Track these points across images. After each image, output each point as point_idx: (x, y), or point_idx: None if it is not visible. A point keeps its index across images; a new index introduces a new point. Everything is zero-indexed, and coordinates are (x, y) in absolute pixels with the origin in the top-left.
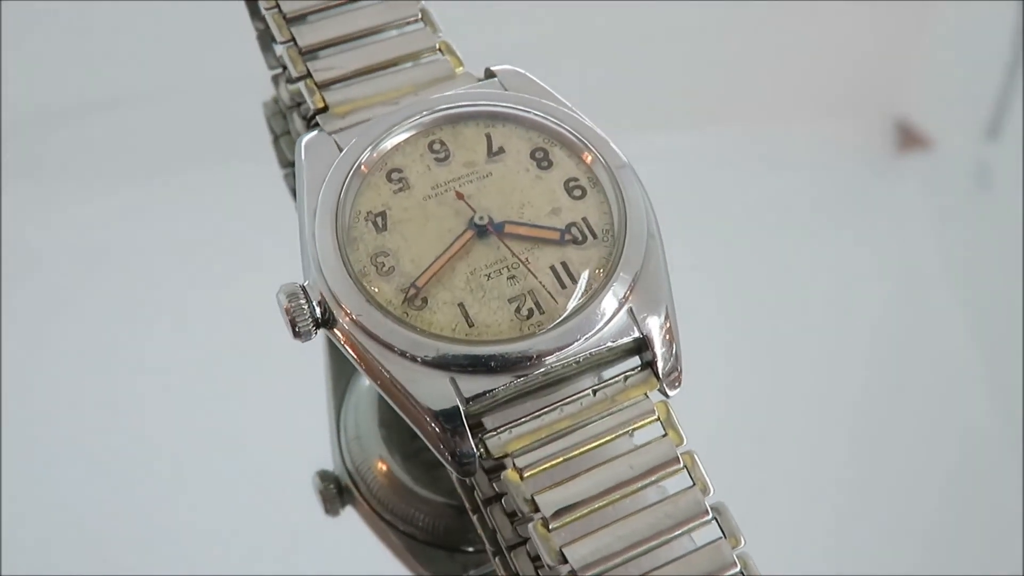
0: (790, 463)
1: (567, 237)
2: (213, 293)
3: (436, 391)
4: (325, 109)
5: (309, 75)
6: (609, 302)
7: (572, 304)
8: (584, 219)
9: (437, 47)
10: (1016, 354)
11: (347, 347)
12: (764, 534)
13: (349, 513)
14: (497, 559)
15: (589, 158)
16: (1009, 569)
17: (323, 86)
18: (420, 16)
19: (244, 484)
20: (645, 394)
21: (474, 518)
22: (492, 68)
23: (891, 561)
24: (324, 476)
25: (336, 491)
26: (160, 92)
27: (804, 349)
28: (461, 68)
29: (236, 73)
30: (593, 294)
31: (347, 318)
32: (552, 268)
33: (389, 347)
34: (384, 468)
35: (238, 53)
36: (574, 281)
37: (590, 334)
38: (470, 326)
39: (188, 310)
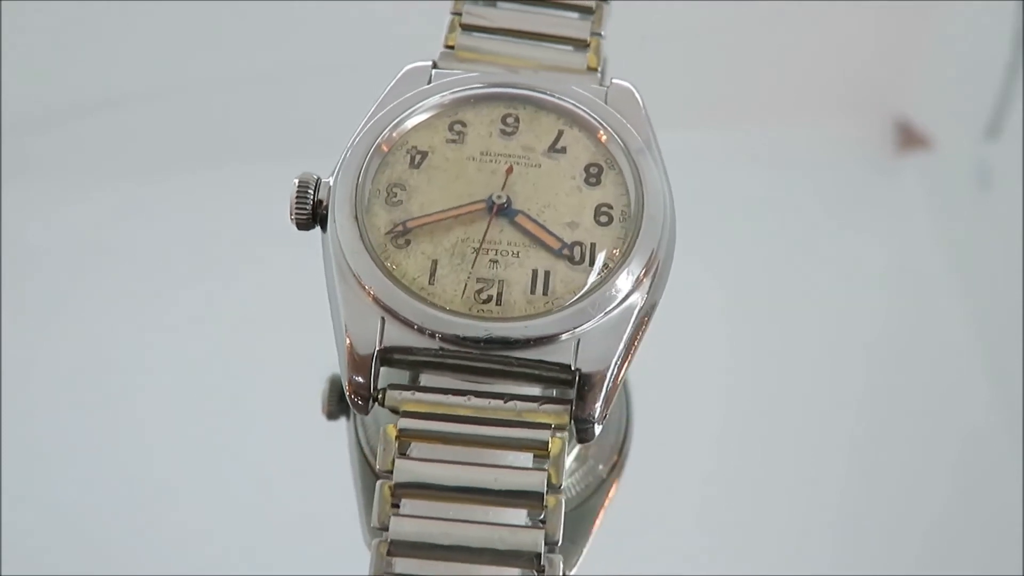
0: (790, 460)
1: (564, 252)
2: (214, 293)
3: (364, 326)
4: (451, 48)
5: (460, 14)
6: (565, 323)
7: (529, 310)
8: (592, 244)
9: (587, 41)
10: (1017, 354)
11: (323, 249)
12: (764, 533)
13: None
14: None
15: (632, 193)
16: (1009, 569)
17: (464, 28)
18: (593, 9)
19: (246, 484)
20: (551, 424)
21: None
22: (614, 79)
23: (891, 561)
24: (333, 382)
25: (337, 398)
26: (160, 92)
27: (803, 347)
28: (594, 69)
29: (236, 73)
30: (552, 311)
31: (334, 224)
32: (534, 271)
33: (348, 267)
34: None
35: (238, 53)
36: (545, 292)
37: (528, 343)
38: (429, 283)
39: (189, 310)
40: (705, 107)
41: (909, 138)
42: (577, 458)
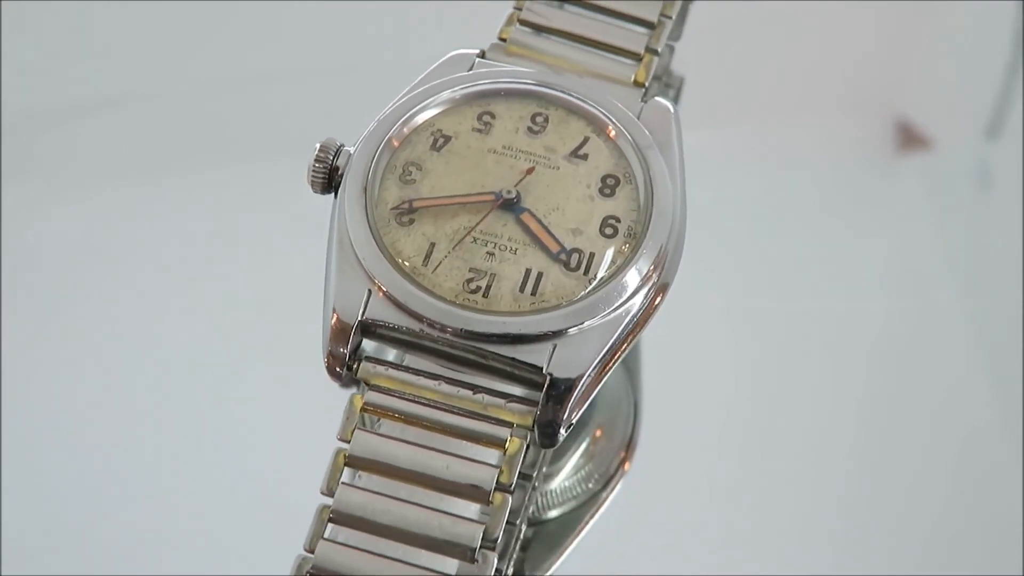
0: (789, 459)
1: (562, 256)
2: (214, 293)
3: (350, 295)
4: (504, 41)
5: (520, 9)
6: (544, 326)
7: (513, 307)
8: (592, 254)
9: (640, 55)
10: (1017, 354)
11: (330, 216)
12: (765, 532)
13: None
14: None
15: (642, 203)
16: (1009, 569)
17: (521, 23)
18: (655, 24)
19: (247, 485)
20: (514, 423)
21: None
22: (656, 97)
23: (891, 561)
24: None
25: None
26: (160, 92)
27: (803, 347)
28: (641, 84)
29: (236, 73)
30: (535, 312)
31: (344, 193)
32: (527, 271)
33: (347, 235)
34: None
35: (238, 53)
36: (533, 293)
37: (504, 338)
38: (422, 265)
39: (190, 310)
40: (705, 107)
41: (909, 138)
42: (584, 454)
